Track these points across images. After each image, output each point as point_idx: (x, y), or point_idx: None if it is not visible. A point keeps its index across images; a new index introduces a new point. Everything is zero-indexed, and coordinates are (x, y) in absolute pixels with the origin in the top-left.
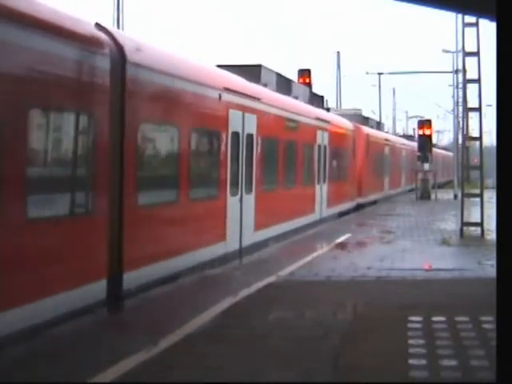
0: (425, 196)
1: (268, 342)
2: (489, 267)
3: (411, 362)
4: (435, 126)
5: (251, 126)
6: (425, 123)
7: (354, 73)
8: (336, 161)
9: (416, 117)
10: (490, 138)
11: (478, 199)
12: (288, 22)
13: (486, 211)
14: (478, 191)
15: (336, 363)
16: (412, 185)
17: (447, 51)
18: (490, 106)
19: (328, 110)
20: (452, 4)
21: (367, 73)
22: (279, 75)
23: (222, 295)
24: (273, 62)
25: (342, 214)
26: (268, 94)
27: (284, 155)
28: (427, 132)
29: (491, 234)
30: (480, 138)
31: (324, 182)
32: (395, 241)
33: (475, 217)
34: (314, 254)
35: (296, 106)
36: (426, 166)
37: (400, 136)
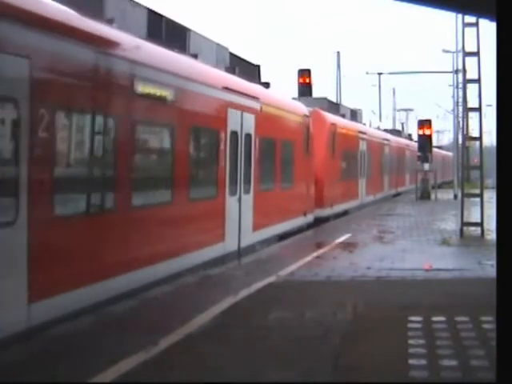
0: (425, 196)
1: (268, 342)
2: (489, 267)
3: (411, 362)
4: (435, 125)
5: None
6: (425, 123)
7: (354, 73)
8: (273, 159)
9: (406, 110)
10: (490, 138)
11: (478, 199)
12: (288, 22)
13: (486, 211)
14: (478, 191)
15: (336, 363)
16: (397, 189)
17: (447, 51)
18: (489, 106)
19: (267, 85)
20: (452, 4)
21: (367, 73)
22: (156, 14)
23: (221, 295)
24: (273, 62)
25: (287, 236)
26: (90, 29)
27: (137, 145)
28: (427, 132)
29: (491, 234)
30: (480, 138)
31: (247, 191)
32: (395, 241)
33: (475, 217)
34: (314, 254)
35: (178, 63)
36: (426, 166)
37: (384, 130)
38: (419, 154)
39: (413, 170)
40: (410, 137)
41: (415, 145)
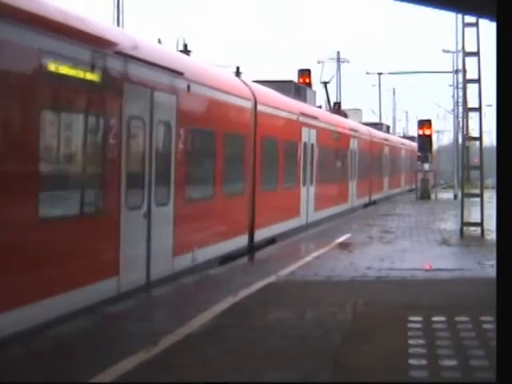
0: (425, 196)
1: (268, 342)
2: (489, 267)
3: (411, 362)
4: (435, 126)
5: None
6: (425, 123)
7: (354, 73)
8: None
9: (342, 61)
10: (490, 138)
11: (478, 199)
12: (288, 22)
13: (486, 211)
14: (478, 191)
15: (336, 363)
16: (288, 221)
17: (447, 51)
18: (489, 106)
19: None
20: (452, 4)
21: (367, 73)
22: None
23: (222, 295)
24: (273, 61)
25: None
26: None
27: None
28: (427, 132)
29: (491, 234)
30: (480, 138)
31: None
32: (395, 241)
33: (475, 217)
34: (314, 254)
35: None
36: (426, 166)
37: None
38: (419, 154)
39: (354, 177)
40: (345, 115)
41: (364, 129)
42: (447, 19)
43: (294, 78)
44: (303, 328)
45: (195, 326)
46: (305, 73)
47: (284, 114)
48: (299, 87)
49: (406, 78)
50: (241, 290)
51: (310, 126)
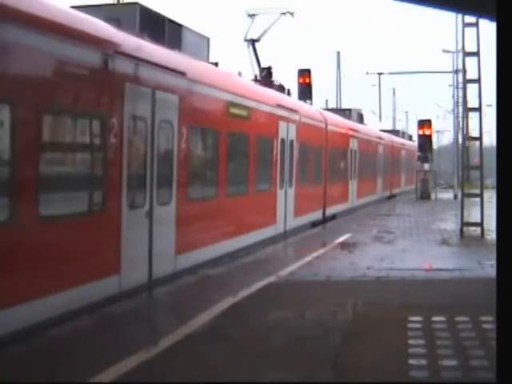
0: (425, 196)
1: (268, 342)
2: (489, 267)
3: (411, 362)
4: (435, 126)
5: None
6: (425, 123)
7: (353, 73)
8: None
9: (284, 13)
10: (490, 138)
11: (478, 199)
12: (287, 22)
13: (486, 211)
14: (478, 191)
15: (336, 363)
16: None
17: (447, 51)
18: (489, 106)
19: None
20: (452, 4)
21: (367, 73)
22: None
23: (222, 295)
24: (273, 61)
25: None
26: None
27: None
28: (427, 132)
29: (491, 234)
30: (480, 138)
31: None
32: (395, 241)
33: (475, 217)
34: (314, 254)
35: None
36: (426, 166)
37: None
38: (419, 154)
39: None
40: (281, 88)
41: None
42: (447, 19)
43: (294, 78)
44: (303, 328)
45: (195, 325)
46: (305, 73)
47: (71, 52)
48: (163, 20)
49: (406, 77)
50: (241, 290)
51: (171, 90)
